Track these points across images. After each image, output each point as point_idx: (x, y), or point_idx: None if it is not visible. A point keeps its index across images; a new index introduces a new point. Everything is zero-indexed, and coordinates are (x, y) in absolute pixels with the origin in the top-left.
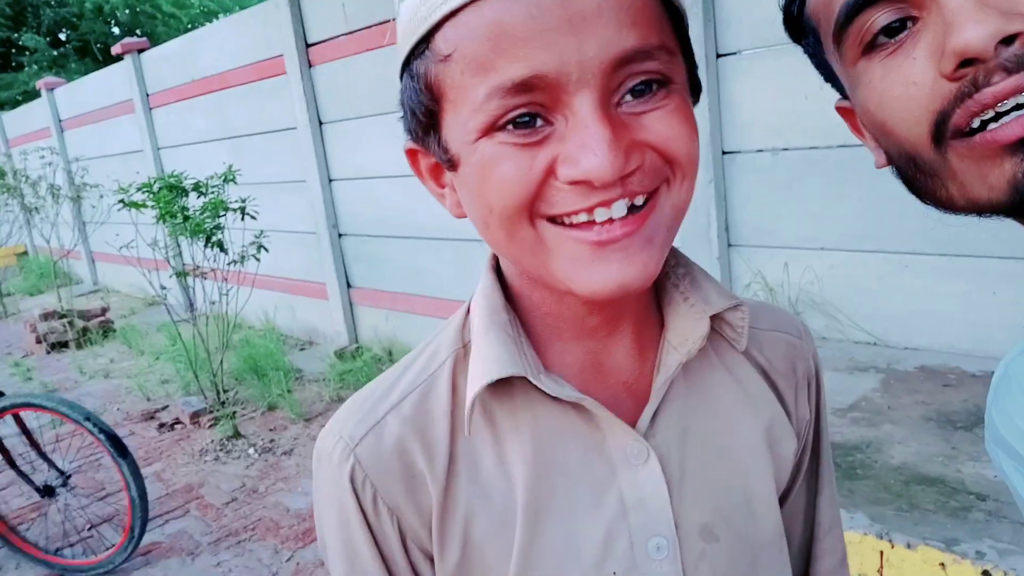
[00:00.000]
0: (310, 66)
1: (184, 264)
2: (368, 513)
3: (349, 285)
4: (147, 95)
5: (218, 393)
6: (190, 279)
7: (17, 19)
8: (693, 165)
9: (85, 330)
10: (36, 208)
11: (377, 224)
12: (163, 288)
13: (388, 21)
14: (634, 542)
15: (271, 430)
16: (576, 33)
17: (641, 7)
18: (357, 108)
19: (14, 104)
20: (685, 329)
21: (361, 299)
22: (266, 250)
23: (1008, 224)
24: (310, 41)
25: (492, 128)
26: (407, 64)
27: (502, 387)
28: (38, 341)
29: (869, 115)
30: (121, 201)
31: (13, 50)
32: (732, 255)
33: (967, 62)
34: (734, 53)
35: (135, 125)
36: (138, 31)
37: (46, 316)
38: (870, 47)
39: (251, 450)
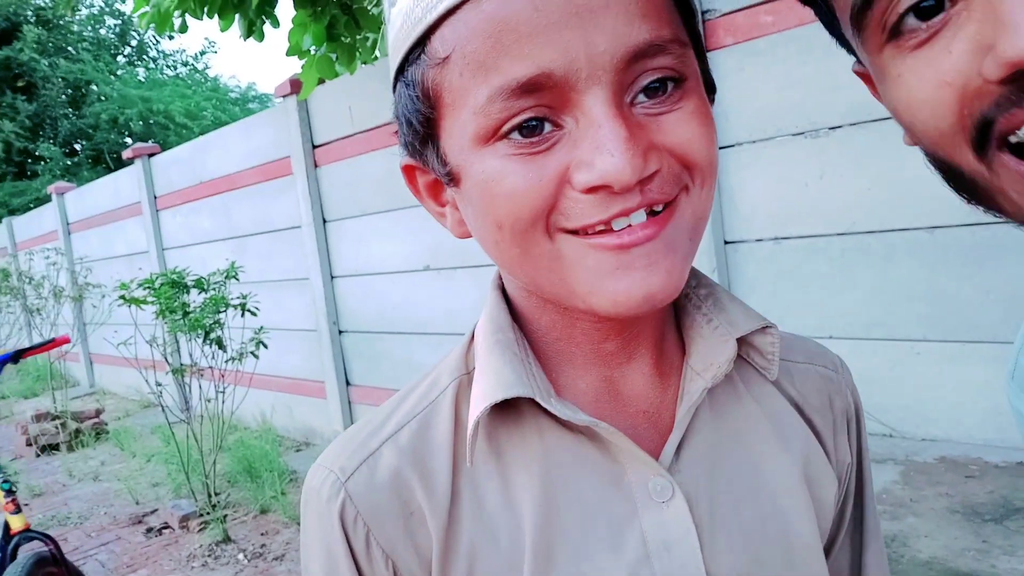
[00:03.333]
0: (316, 166)
1: (181, 362)
2: (359, 556)
3: (348, 383)
4: (155, 197)
5: (209, 496)
6: (187, 377)
7: (35, 130)
8: (713, 169)
9: (78, 432)
10: (38, 309)
11: (377, 320)
12: (159, 385)
13: (392, 122)
14: None
15: (263, 534)
16: (584, 26)
17: None
18: (361, 206)
19: (26, 210)
20: (709, 353)
21: (360, 397)
22: (265, 346)
23: (1019, 304)
24: (316, 142)
25: (495, 134)
26: (401, 72)
27: (509, 413)
28: (28, 444)
29: (897, 115)
30: (122, 297)
31: (29, 160)
32: None
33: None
34: (732, 145)
35: (141, 226)
36: (151, 140)
37: (38, 418)
38: (896, 31)
39: (240, 555)
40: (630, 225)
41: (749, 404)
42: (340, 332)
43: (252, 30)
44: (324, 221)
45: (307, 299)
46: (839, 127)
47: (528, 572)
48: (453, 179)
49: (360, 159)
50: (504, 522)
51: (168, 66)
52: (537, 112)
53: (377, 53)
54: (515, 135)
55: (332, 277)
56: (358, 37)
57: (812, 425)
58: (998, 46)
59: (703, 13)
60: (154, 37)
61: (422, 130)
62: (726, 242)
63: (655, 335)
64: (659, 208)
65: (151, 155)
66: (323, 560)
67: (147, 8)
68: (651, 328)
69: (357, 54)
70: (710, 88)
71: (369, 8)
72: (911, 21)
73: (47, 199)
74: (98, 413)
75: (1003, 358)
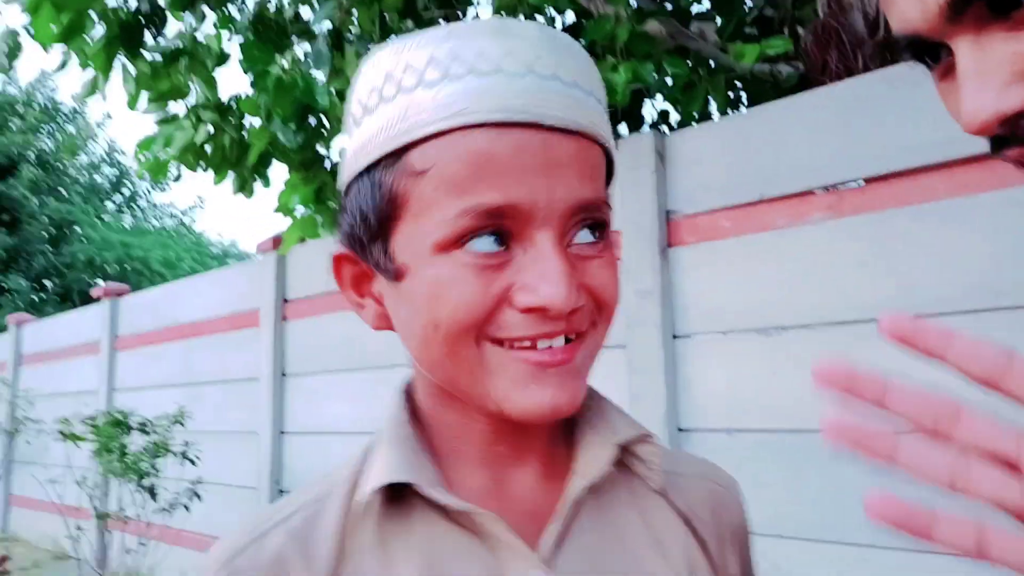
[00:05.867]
0: (284, 320)
1: (107, 510)
2: None
3: None
4: (115, 337)
5: None
6: (109, 527)
7: (9, 263)
8: (613, 311)
9: None
10: None
11: None
12: (79, 529)
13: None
14: None
15: None
16: (549, 176)
17: (596, 164)
18: (324, 363)
19: None
20: (592, 458)
21: None
22: (199, 498)
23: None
24: (288, 297)
25: (453, 245)
26: (366, 171)
27: (399, 506)
28: None
29: None
30: (61, 432)
31: None
32: None
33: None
34: (691, 336)
35: (95, 366)
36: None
37: None
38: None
39: None
40: (551, 347)
41: (633, 512)
42: (280, 492)
43: (244, 186)
44: (283, 375)
45: (252, 454)
46: (788, 328)
47: None
48: (397, 274)
49: (328, 317)
50: None
51: (155, 217)
52: (497, 229)
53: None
54: (472, 252)
55: (282, 433)
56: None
57: (698, 536)
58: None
59: (668, 213)
60: (147, 188)
61: (376, 227)
62: (679, 429)
63: (544, 442)
64: (572, 337)
65: (120, 295)
66: None
67: (147, 155)
68: (540, 436)
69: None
70: (616, 244)
71: None
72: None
73: (3, 329)
74: (3, 560)
75: (952, 571)
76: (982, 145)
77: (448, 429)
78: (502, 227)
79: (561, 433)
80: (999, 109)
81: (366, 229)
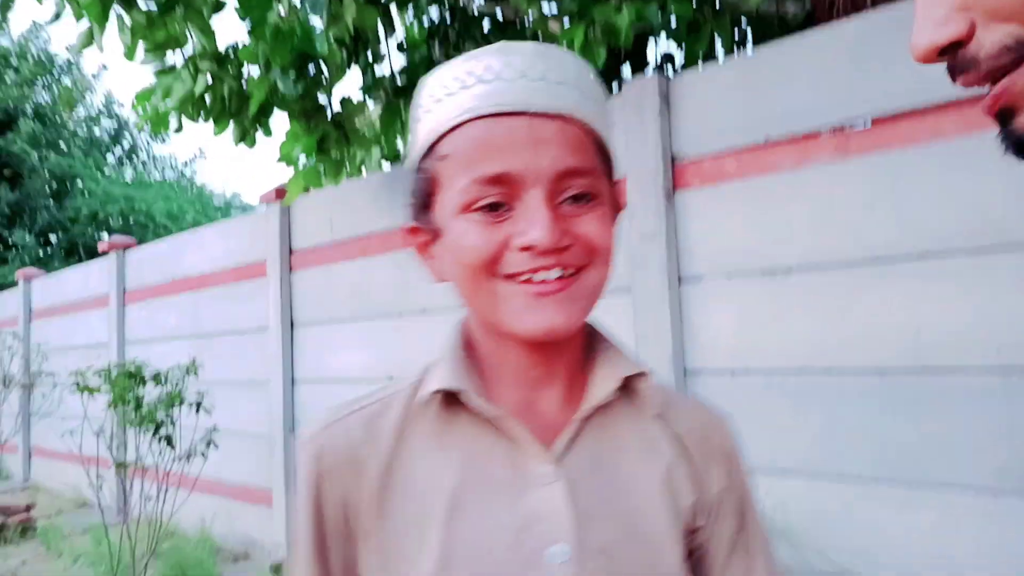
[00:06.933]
0: (291, 270)
1: (125, 458)
2: (322, 478)
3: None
4: (124, 291)
5: None
6: (129, 474)
7: (13, 218)
8: (608, 254)
9: (2, 528)
10: None
11: None
12: (99, 478)
13: (372, 234)
14: (539, 546)
15: None
16: (536, 149)
17: (581, 142)
18: (332, 312)
19: None
20: (601, 387)
21: None
22: (216, 446)
23: (964, 452)
24: (294, 247)
25: (468, 207)
26: (417, 166)
27: (448, 409)
28: None
29: None
30: (76, 384)
31: (2, 247)
32: None
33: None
34: (696, 279)
35: (105, 319)
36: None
37: None
38: None
39: None
40: (545, 280)
41: (632, 428)
42: (294, 439)
43: (245, 137)
44: (292, 325)
45: (264, 403)
46: (794, 270)
47: (441, 519)
48: (437, 235)
49: (335, 267)
50: (426, 479)
51: (156, 169)
52: (497, 198)
53: (363, 169)
54: (482, 210)
55: (293, 381)
56: (346, 152)
57: (686, 448)
58: None
59: (672, 157)
60: (147, 140)
61: (424, 202)
62: (685, 370)
63: (566, 372)
64: (570, 272)
65: (126, 248)
66: (301, 481)
67: (147, 107)
68: (564, 364)
69: (344, 168)
70: (617, 207)
71: (360, 128)
72: None
73: (13, 284)
74: (28, 508)
75: (951, 503)
76: None
77: (491, 355)
78: (501, 192)
79: (581, 367)
80: (933, 41)
81: (419, 205)
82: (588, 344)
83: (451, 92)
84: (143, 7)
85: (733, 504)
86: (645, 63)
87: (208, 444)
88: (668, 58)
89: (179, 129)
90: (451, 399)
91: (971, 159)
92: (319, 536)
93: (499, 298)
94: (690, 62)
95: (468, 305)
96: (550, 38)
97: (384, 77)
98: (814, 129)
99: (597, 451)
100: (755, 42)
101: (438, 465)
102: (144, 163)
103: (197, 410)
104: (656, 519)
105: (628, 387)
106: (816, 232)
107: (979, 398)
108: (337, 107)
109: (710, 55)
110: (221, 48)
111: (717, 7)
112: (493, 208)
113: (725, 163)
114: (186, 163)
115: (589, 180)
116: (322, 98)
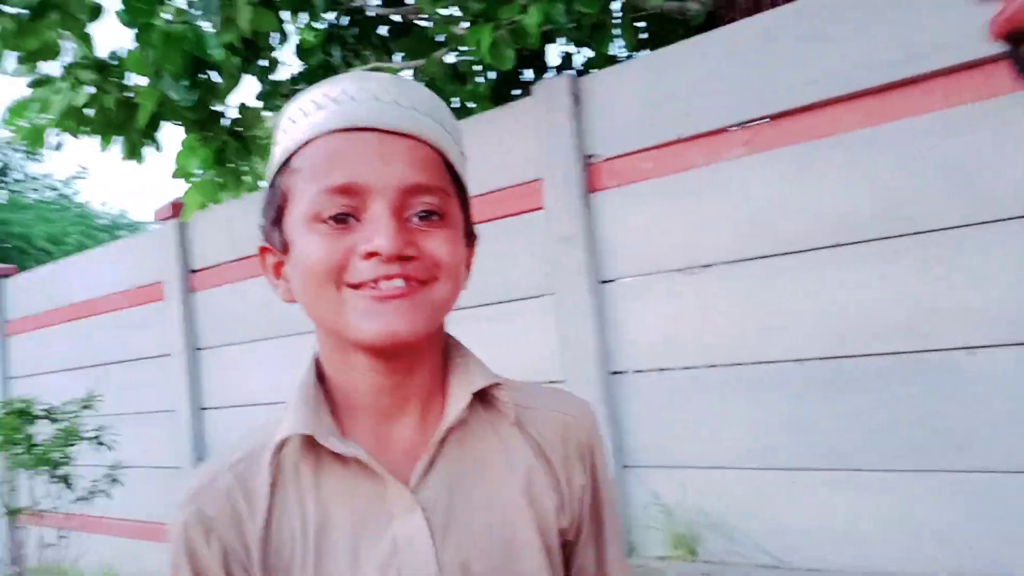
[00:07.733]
0: (192, 291)
1: (18, 505)
2: (200, 546)
3: None
4: (5, 322)
5: None
6: (22, 523)
7: None
8: (454, 272)
9: None
10: None
11: None
12: None
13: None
14: (403, 574)
15: None
16: (384, 162)
17: (429, 161)
18: (239, 333)
19: None
20: (454, 405)
21: None
22: (120, 483)
23: (879, 435)
24: (194, 267)
25: (316, 219)
26: (271, 182)
27: (311, 448)
28: None
29: None
30: None
31: None
32: (627, 476)
33: None
34: (617, 280)
35: None
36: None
37: None
38: None
39: None
40: (389, 288)
41: (492, 441)
42: None
43: (134, 152)
44: (197, 349)
45: (171, 433)
46: (713, 265)
47: (311, 562)
48: (285, 248)
49: (239, 285)
50: (300, 523)
51: (33, 189)
52: (345, 209)
53: (265, 180)
54: (329, 221)
55: (201, 409)
56: (245, 164)
57: (545, 456)
58: None
59: (587, 158)
60: (21, 159)
61: (274, 216)
62: (611, 372)
63: (423, 393)
64: (413, 284)
65: (5, 276)
66: (173, 548)
67: (22, 123)
68: (418, 387)
69: (244, 180)
70: (471, 234)
71: (260, 137)
72: None
73: None
74: None
75: (866, 486)
76: (887, 74)
77: (343, 386)
78: (349, 204)
79: (440, 386)
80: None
81: (270, 221)
82: (446, 362)
83: (307, 113)
84: (11, 12)
85: (592, 493)
86: (545, 66)
87: (111, 482)
88: (568, 60)
89: (58, 147)
90: (310, 440)
91: (874, 150)
92: None
93: (344, 306)
94: (591, 64)
95: (314, 319)
96: (455, 40)
97: (281, 82)
98: (724, 125)
99: (455, 471)
100: (657, 43)
101: (308, 509)
102: (19, 181)
103: (98, 446)
104: (517, 527)
105: (486, 398)
106: (731, 227)
107: (892, 382)
108: (235, 115)
109: (610, 58)
110: (103, 56)
111: (620, 7)
112: (340, 220)
113: (639, 162)
114: (65, 181)
115: (437, 199)
116: (217, 107)
